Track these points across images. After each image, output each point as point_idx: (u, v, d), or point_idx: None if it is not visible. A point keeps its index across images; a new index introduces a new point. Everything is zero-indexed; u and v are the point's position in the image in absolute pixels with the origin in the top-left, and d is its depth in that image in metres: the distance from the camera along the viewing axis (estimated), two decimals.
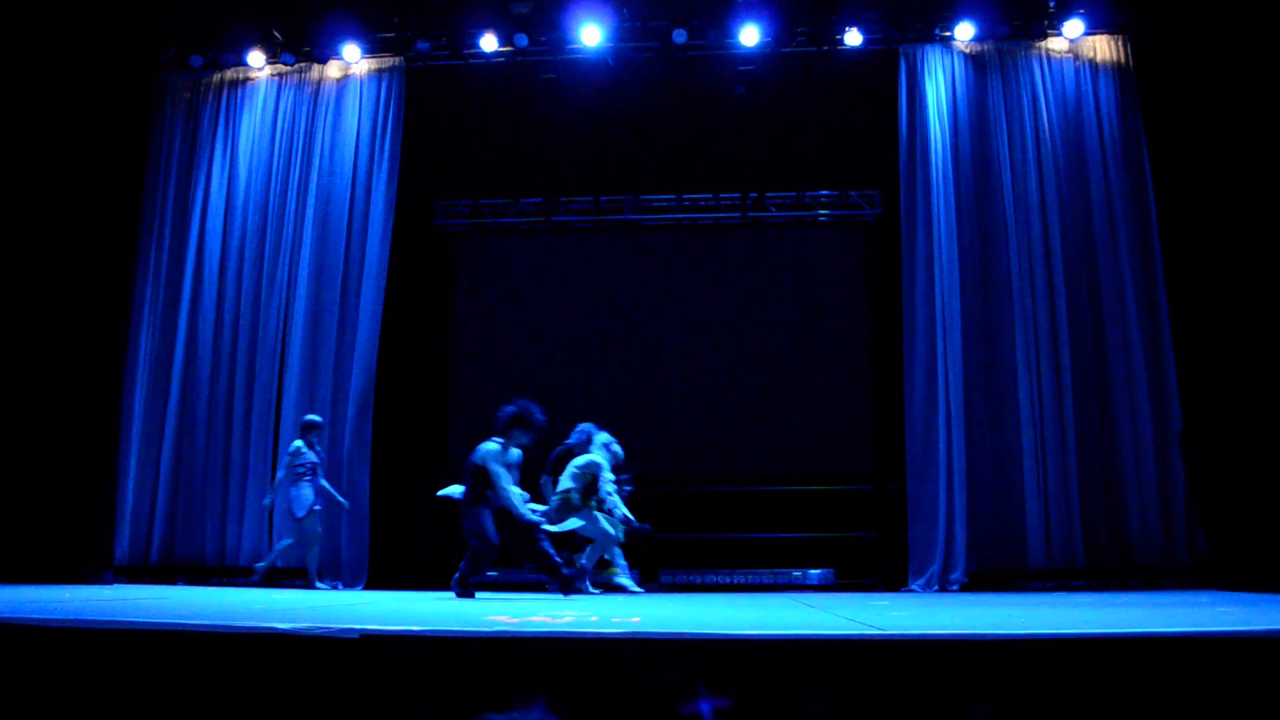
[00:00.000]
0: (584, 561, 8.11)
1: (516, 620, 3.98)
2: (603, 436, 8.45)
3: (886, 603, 6.28)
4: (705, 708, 2.75)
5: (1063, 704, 2.80)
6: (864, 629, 3.40)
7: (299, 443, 9.11)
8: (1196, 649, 2.87)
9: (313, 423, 9.24)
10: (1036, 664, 2.86)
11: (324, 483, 9.12)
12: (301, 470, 9.00)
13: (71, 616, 3.50)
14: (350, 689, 2.94)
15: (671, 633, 3.09)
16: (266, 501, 9.25)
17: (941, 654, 2.90)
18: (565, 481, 8.04)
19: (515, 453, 7.65)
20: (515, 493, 7.41)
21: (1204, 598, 6.69)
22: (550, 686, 2.82)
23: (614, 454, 8.38)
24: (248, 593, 7.79)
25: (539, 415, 7.59)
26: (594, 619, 4.28)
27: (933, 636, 2.99)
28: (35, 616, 3.36)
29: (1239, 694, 2.78)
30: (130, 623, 3.27)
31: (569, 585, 7.38)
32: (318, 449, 9.19)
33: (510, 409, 7.55)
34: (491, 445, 7.47)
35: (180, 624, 3.23)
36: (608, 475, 8.16)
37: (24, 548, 8.82)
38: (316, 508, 9.00)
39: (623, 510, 8.11)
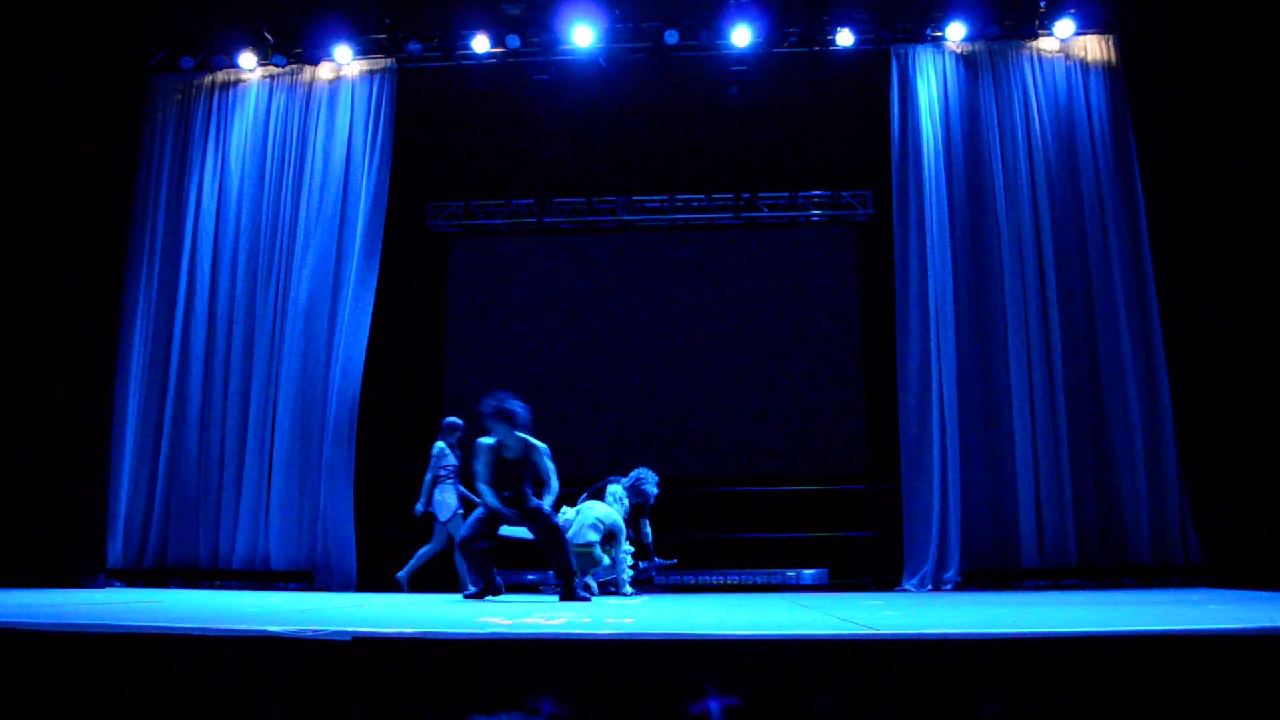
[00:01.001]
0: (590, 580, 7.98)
1: (510, 622, 3.98)
2: (617, 489, 8.30)
3: (880, 602, 6.29)
4: (714, 706, 2.75)
5: (1055, 703, 2.81)
6: (857, 629, 3.41)
7: (441, 444, 9.03)
8: (1186, 647, 2.88)
9: (453, 424, 9.14)
10: (1031, 662, 2.87)
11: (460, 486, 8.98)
12: (444, 473, 8.94)
13: (64, 620, 3.49)
14: (343, 691, 2.94)
15: (663, 634, 3.09)
16: (419, 509, 8.97)
17: (934, 653, 2.91)
18: (589, 534, 7.74)
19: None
20: (484, 490, 7.13)
21: (1195, 596, 6.72)
22: (547, 688, 2.82)
23: (625, 507, 8.32)
24: (241, 595, 7.79)
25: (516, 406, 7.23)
26: (587, 620, 4.28)
27: (924, 636, 3.00)
28: (28, 620, 3.35)
29: (1228, 693, 2.79)
30: (123, 626, 3.27)
31: (572, 593, 7.26)
32: (458, 451, 9.08)
33: (490, 403, 7.22)
34: (483, 440, 7.15)
35: (173, 627, 3.23)
36: (626, 546, 8.10)
37: (17, 551, 8.81)
38: (459, 511, 8.87)
39: (628, 588, 8.03)
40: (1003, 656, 2.88)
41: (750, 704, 2.77)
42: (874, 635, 3.08)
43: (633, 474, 8.42)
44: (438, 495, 8.91)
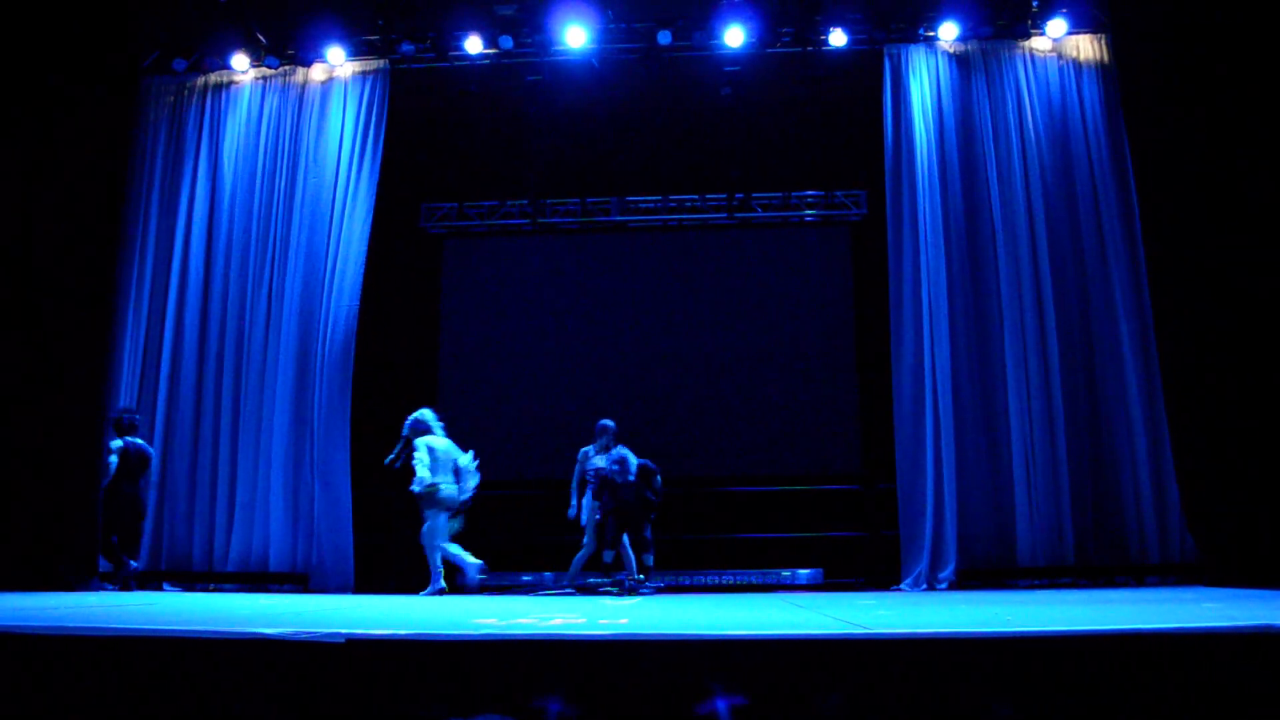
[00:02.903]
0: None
1: (504, 623, 3.97)
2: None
3: (875, 602, 6.29)
4: (721, 706, 2.75)
5: (1057, 701, 2.81)
6: (863, 629, 3.41)
7: (588, 449, 8.96)
8: (1179, 645, 2.89)
9: (603, 427, 9.00)
10: (1032, 661, 2.88)
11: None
12: (590, 477, 8.90)
13: (57, 623, 3.48)
14: (337, 694, 2.93)
15: (666, 634, 3.09)
16: (570, 513, 9.02)
17: (941, 652, 2.91)
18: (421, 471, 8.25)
19: None
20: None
21: (1190, 594, 6.73)
22: (549, 689, 2.81)
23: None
24: (235, 597, 7.76)
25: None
26: (581, 621, 4.27)
27: (929, 636, 2.99)
28: (21, 624, 3.34)
29: (1225, 691, 2.79)
30: (116, 629, 3.25)
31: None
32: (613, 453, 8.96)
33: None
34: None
35: (166, 630, 3.22)
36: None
37: (10, 554, 8.77)
38: (597, 516, 8.78)
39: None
40: (1007, 655, 2.88)
41: (757, 703, 2.77)
42: (880, 635, 3.08)
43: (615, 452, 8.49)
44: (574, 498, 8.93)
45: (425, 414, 8.62)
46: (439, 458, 8.30)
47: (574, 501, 9.01)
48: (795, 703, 2.80)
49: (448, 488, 8.25)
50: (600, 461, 8.84)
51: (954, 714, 2.80)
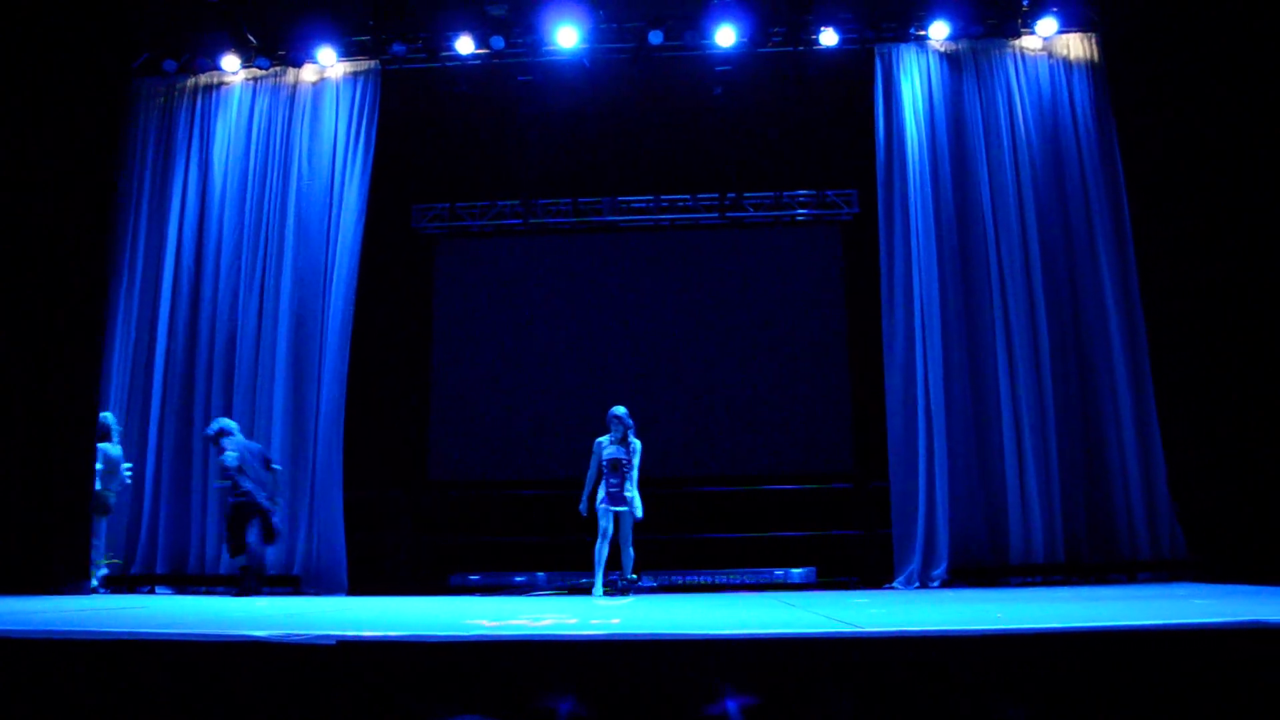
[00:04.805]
0: None
1: (494, 624, 3.97)
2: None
3: (867, 600, 6.30)
4: (731, 706, 2.75)
5: (1046, 697, 2.82)
6: (847, 628, 3.42)
7: (602, 439, 8.61)
8: (1170, 642, 2.90)
9: (613, 415, 8.55)
10: (1024, 658, 2.89)
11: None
12: (605, 467, 8.72)
13: (48, 627, 3.47)
14: (328, 695, 2.93)
15: (663, 634, 3.09)
16: (582, 508, 8.66)
17: (944, 651, 2.92)
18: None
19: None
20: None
21: (1181, 590, 6.76)
22: (546, 690, 2.81)
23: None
24: (227, 601, 7.75)
25: None
26: (572, 621, 4.28)
27: (933, 634, 3.00)
28: (13, 628, 3.33)
29: (1211, 685, 2.80)
30: (108, 633, 3.25)
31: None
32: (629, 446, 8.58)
33: None
34: None
35: (158, 633, 3.21)
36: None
37: (2, 558, 8.75)
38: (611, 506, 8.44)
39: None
40: (1002, 653, 2.89)
41: (768, 703, 2.77)
42: (882, 635, 3.08)
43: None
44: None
45: (107, 417, 9.02)
46: (112, 465, 8.86)
47: (586, 495, 8.66)
48: (806, 702, 2.81)
49: (111, 495, 8.88)
50: (612, 451, 8.67)
51: (954, 711, 2.80)
